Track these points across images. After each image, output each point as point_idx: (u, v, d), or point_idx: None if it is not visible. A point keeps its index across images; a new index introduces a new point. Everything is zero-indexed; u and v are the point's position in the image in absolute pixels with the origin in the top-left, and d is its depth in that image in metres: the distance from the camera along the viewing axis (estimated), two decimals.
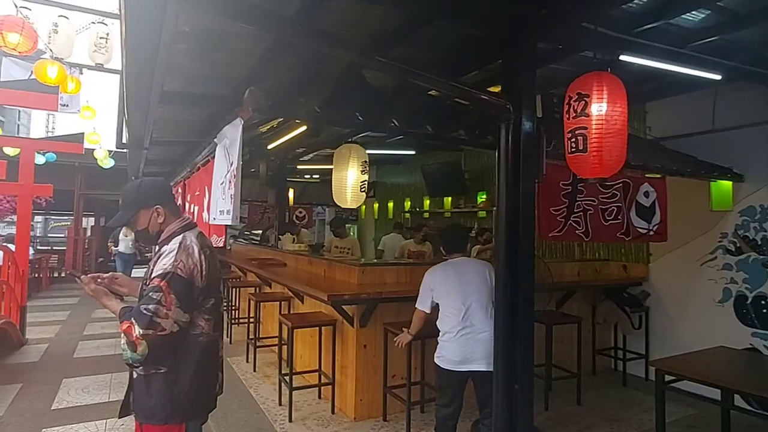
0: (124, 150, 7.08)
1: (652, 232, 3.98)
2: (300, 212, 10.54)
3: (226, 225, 3.60)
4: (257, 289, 6.31)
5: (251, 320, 5.79)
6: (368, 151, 3.58)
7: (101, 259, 14.06)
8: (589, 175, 2.33)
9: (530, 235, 2.60)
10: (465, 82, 2.81)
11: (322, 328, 4.15)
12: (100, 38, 6.01)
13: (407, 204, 9.47)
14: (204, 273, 1.77)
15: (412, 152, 8.21)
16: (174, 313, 1.65)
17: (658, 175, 4.10)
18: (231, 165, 2.85)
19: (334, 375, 4.07)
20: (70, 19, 6.22)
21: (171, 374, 1.74)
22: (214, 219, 3.53)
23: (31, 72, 5.95)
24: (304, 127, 4.52)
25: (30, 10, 5.61)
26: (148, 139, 5.35)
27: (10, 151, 8.13)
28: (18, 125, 52.57)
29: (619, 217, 3.71)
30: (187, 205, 5.42)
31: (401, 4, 2.38)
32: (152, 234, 1.88)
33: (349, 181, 3.38)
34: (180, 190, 6.12)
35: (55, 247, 15.78)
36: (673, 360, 3.22)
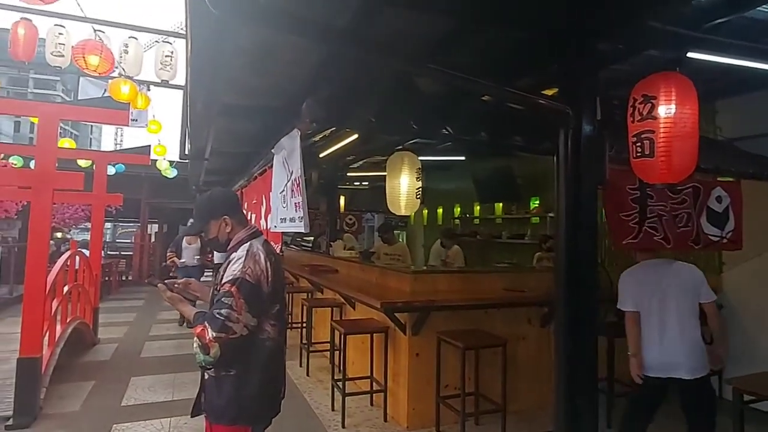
0: (186, 160, 7.49)
1: (725, 240, 3.70)
2: (350, 219, 10.68)
3: (292, 231, 3.70)
4: (309, 294, 6.43)
5: (304, 325, 5.90)
6: (419, 158, 3.58)
7: (164, 264, 14.86)
8: (657, 181, 2.20)
9: (592, 243, 2.50)
10: (520, 86, 2.75)
11: (374, 334, 4.17)
12: (166, 56, 6.40)
13: (457, 210, 9.36)
14: (270, 279, 1.84)
15: (462, 158, 8.11)
16: (244, 317, 1.72)
17: (732, 179, 3.82)
18: (291, 174, 2.94)
19: (387, 382, 4.07)
20: (138, 39, 6.67)
21: (240, 377, 1.81)
22: (275, 227, 3.63)
23: (105, 90, 6.42)
24: (356, 136, 4.59)
25: (104, 32, 6.07)
26: (208, 150, 5.62)
27: (83, 162, 8.80)
28: (90, 138, 56.89)
29: (690, 224, 3.48)
30: (245, 212, 5.62)
31: (453, 11, 2.36)
32: (221, 242, 1.98)
33: (404, 188, 3.39)
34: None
35: (123, 252, 16.83)
36: (752, 378, 2.97)
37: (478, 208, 8.78)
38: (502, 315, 4.23)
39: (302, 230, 3.22)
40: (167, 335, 7.31)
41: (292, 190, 2.95)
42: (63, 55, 6.37)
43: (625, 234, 3.12)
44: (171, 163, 11.14)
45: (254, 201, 4.88)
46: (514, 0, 2.29)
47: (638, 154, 2.20)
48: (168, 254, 7.67)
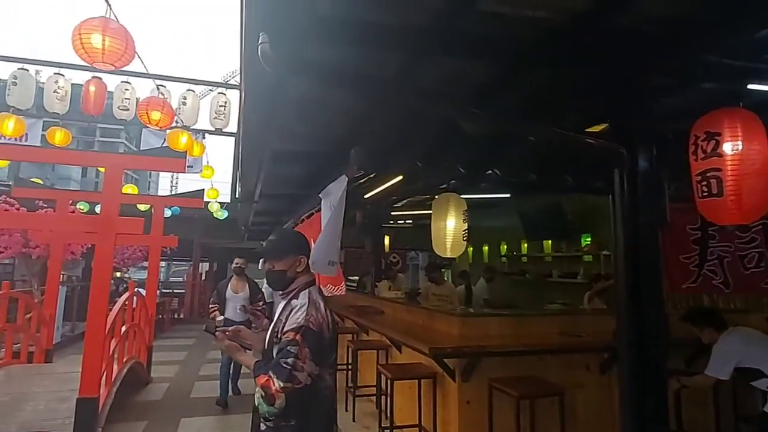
0: (237, 203, 7.80)
1: None
2: (394, 257, 10.63)
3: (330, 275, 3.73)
4: (355, 335, 6.37)
5: (349, 367, 5.82)
6: (462, 196, 3.55)
7: (207, 318, 15.29)
8: (727, 222, 2.06)
9: (655, 284, 2.35)
10: (566, 125, 2.70)
11: (422, 380, 4.03)
12: (220, 106, 6.83)
13: (503, 248, 9.15)
14: (330, 327, 1.84)
15: (507, 195, 7.99)
16: (308, 366, 1.70)
17: None
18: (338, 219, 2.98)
19: (436, 431, 3.90)
20: (195, 91, 7.15)
21: (300, 427, 1.77)
22: (321, 269, 3.67)
23: (164, 139, 6.87)
24: (400, 177, 4.62)
25: (165, 86, 6.54)
26: (257, 193, 5.83)
27: (143, 206, 9.34)
28: (149, 182, 60.67)
29: (762, 264, 3.22)
30: None
31: (498, 57, 2.38)
32: (287, 279, 1.96)
33: (449, 230, 3.35)
34: None
35: (175, 291, 17.46)
36: None
37: (526, 245, 8.54)
38: (557, 361, 4.00)
39: (333, 274, 3.24)
40: (216, 376, 7.37)
41: (338, 234, 2.98)
42: (128, 109, 6.90)
43: (684, 278, 2.94)
44: (222, 204, 11.62)
45: None
46: (560, 40, 2.28)
47: (704, 194, 2.08)
48: (210, 307, 5.96)
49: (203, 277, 16.48)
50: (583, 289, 6.58)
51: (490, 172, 2.78)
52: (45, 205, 8.45)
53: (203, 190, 9.57)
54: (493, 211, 9.45)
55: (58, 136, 6.20)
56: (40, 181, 14.70)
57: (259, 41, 1.95)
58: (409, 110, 2.81)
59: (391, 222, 10.29)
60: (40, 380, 5.35)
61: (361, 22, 2.07)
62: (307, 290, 1.91)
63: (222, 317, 5.63)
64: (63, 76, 7.19)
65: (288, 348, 1.70)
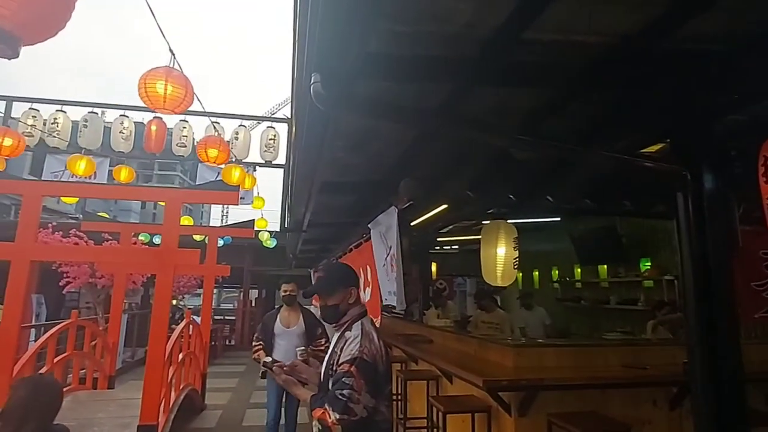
0: (285, 231, 7.99)
1: None
2: (441, 284, 10.48)
3: (393, 305, 3.74)
4: (403, 365, 6.27)
5: (398, 398, 5.71)
6: (509, 221, 3.47)
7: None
8: None
9: (730, 318, 2.18)
10: (620, 148, 2.61)
11: (476, 414, 3.89)
12: (269, 139, 7.14)
13: (555, 273, 8.82)
14: (383, 358, 1.83)
15: (557, 218, 7.75)
16: (364, 398, 1.69)
17: None
18: (390, 249, 3.00)
19: None
20: (246, 126, 7.50)
21: None
22: (385, 300, 3.68)
23: (218, 173, 7.22)
24: (445, 205, 4.60)
25: (219, 123, 6.90)
26: (306, 222, 5.96)
27: (197, 237, 9.75)
28: (202, 212, 63.58)
29: None
30: None
31: (548, 83, 2.35)
32: (340, 312, 1.97)
33: (500, 258, 3.28)
34: None
35: (226, 317, 17.93)
36: None
37: (579, 270, 8.20)
38: (621, 395, 3.76)
39: (395, 305, 3.23)
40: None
41: (391, 265, 2.99)
42: (185, 146, 7.32)
43: (757, 306, 2.71)
44: (271, 233, 11.96)
45: None
46: (612, 63, 2.23)
47: None
48: (254, 346, 4.53)
49: (253, 304, 16.87)
50: (644, 316, 6.21)
51: (545, 200, 2.71)
52: (110, 237, 8.99)
53: (253, 220, 9.92)
54: (542, 234, 9.18)
55: (123, 174, 6.64)
56: (106, 215, 15.69)
57: (312, 81, 2.02)
58: (458, 140, 2.81)
59: (437, 248, 10.20)
60: (104, 406, 5.59)
61: (409, 56, 2.12)
62: (359, 321, 1.92)
63: (269, 358, 3.60)
64: (127, 117, 7.75)
65: (343, 380, 1.70)
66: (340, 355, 1.82)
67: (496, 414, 3.77)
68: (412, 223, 5.85)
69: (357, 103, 2.18)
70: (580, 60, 2.16)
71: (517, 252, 3.31)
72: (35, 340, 6.27)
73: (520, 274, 9.81)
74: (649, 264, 6.64)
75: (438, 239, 8.76)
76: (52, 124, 7.61)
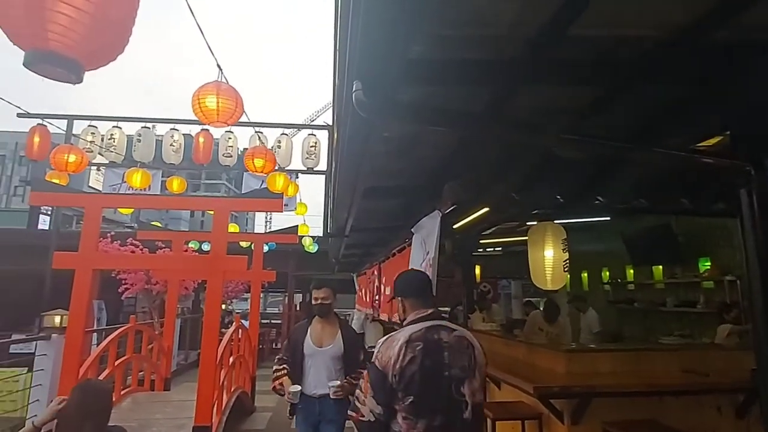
0: (328, 237, 8.11)
1: None
2: (485, 287, 10.33)
3: None
4: None
5: None
6: (556, 221, 3.36)
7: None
8: None
9: None
10: (673, 144, 2.47)
11: (526, 421, 3.80)
12: (311, 146, 7.28)
13: (605, 274, 8.49)
14: (399, 366, 1.72)
15: (607, 218, 7.45)
16: (369, 402, 1.70)
17: None
18: (427, 254, 2.97)
19: None
20: (288, 135, 7.67)
21: None
22: None
23: (262, 181, 7.43)
24: (487, 208, 4.52)
25: (262, 133, 7.09)
26: (348, 227, 6.01)
27: (244, 243, 10.06)
28: (246, 219, 65.56)
29: None
30: (382, 287, 5.78)
31: (595, 80, 2.27)
32: (400, 322, 2.04)
33: (548, 261, 3.18)
34: (375, 273, 6.60)
35: (272, 321, 18.35)
36: None
37: (632, 271, 7.85)
38: (682, 403, 3.57)
39: None
40: None
41: (427, 270, 2.96)
42: (231, 156, 7.58)
43: None
44: (313, 238, 12.16)
45: (394, 277, 5.01)
46: (664, 56, 2.12)
47: None
48: (275, 372, 3.26)
49: (297, 308, 17.21)
50: (705, 319, 5.89)
51: (595, 201, 2.61)
52: (163, 245, 9.42)
53: (297, 225, 10.14)
54: (590, 234, 8.86)
55: (176, 184, 6.95)
56: (159, 224, 16.39)
57: (354, 89, 2.04)
58: (502, 142, 2.76)
59: (480, 250, 10.04)
60: (161, 407, 5.84)
61: (452, 60, 2.10)
62: (404, 328, 1.90)
63: (297, 389, 3.02)
64: (177, 130, 8.12)
65: (359, 380, 1.81)
66: None
67: (548, 421, 3.67)
68: (454, 226, 5.80)
69: (399, 109, 2.18)
70: (631, 54, 2.08)
71: (566, 254, 3.21)
72: (97, 344, 6.64)
73: (568, 276, 9.52)
74: (709, 264, 6.27)
75: (481, 241, 8.61)
76: (108, 139, 8.07)
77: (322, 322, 3.22)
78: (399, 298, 2.01)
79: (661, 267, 7.20)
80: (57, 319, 5.72)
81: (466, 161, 2.86)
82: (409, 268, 3.75)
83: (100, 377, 5.11)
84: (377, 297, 6.85)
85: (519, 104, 2.37)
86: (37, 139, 6.64)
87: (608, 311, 7.86)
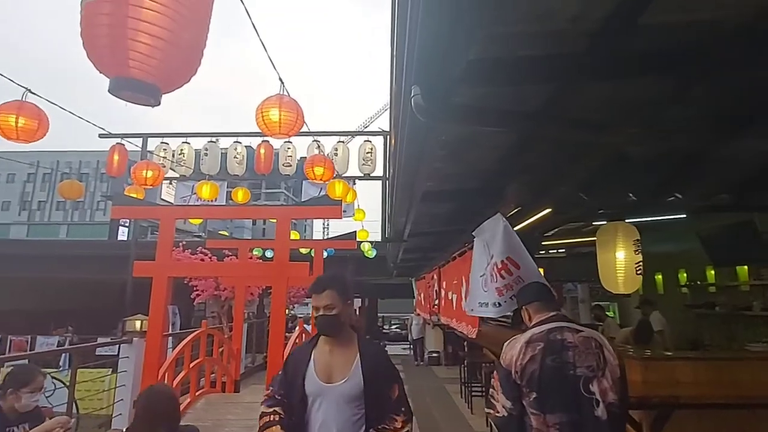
0: (386, 242, 8.17)
1: None
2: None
3: (489, 316, 3.63)
4: None
5: None
6: (627, 220, 3.17)
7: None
8: None
9: None
10: (759, 135, 2.27)
11: None
12: (366, 153, 7.40)
13: (682, 276, 7.92)
14: (519, 364, 1.86)
15: (682, 215, 6.96)
16: (500, 398, 1.84)
17: None
18: (491, 258, 2.90)
19: None
20: (344, 142, 7.82)
21: None
22: (472, 310, 3.57)
23: (320, 189, 7.63)
24: (549, 209, 4.36)
25: (320, 141, 7.28)
26: (407, 232, 6.03)
27: (304, 250, 10.35)
28: (305, 225, 67.53)
29: None
30: (442, 291, 5.73)
31: (668, 70, 2.13)
32: (527, 325, 2.14)
33: (620, 263, 3.01)
34: (435, 277, 6.56)
35: None
36: None
37: (713, 272, 7.27)
38: None
39: (493, 315, 3.12)
40: None
41: (491, 275, 2.88)
42: (291, 165, 7.84)
43: None
44: (371, 243, 12.30)
45: (455, 282, 4.95)
46: (749, 39, 1.96)
47: None
48: (262, 416, 2.00)
49: (357, 312, 17.45)
50: None
51: (672, 198, 2.45)
52: (230, 253, 9.89)
53: (355, 231, 10.30)
54: (661, 234, 8.29)
55: (240, 194, 7.29)
56: (226, 233, 17.22)
57: (412, 94, 2.05)
58: (565, 140, 2.66)
59: (542, 252, 9.69)
60: (232, 408, 6.11)
61: (512, 58, 2.05)
62: (529, 330, 2.02)
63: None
64: (240, 143, 8.52)
65: (492, 379, 1.95)
66: None
67: None
68: (515, 228, 5.65)
69: (458, 112, 2.16)
70: (706, 40, 1.93)
71: (639, 255, 3.02)
72: (172, 348, 7.06)
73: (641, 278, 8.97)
74: None
75: (543, 243, 8.31)
76: (179, 154, 8.62)
77: (330, 343, 2.06)
78: (523, 307, 2.14)
79: (746, 267, 6.62)
80: (137, 323, 6.14)
81: (525, 162, 2.78)
82: (471, 272, 3.70)
83: (176, 379, 5.43)
84: (437, 301, 6.80)
85: (580, 101, 2.28)
86: (116, 157, 7.21)
87: (686, 316, 7.34)
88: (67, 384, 5.23)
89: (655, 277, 8.53)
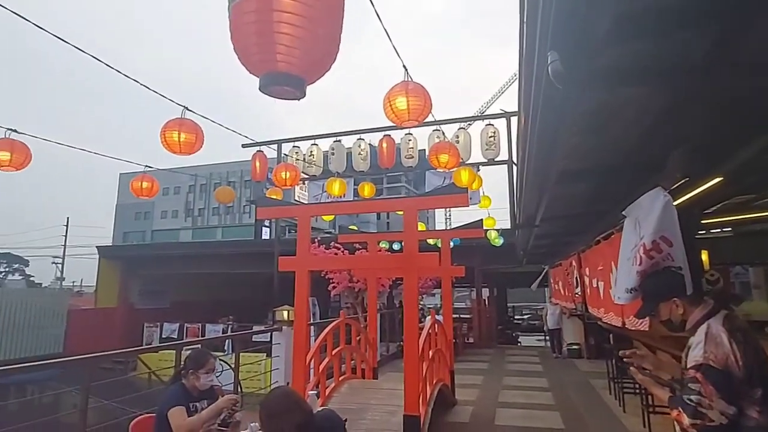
0: (515, 229, 7.82)
1: None
2: (711, 275, 8.64)
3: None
4: None
5: None
6: None
7: (500, 327, 15.65)
8: None
9: None
10: None
11: None
12: (489, 137, 7.12)
13: None
14: (740, 361, 1.67)
15: None
16: (717, 404, 1.62)
17: None
18: (641, 239, 2.54)
19: None
20: (466, 128, 7.64)
21: None
22: (619, 298, 3.19)
23: (443, 178, 7.56)
24: (719, 179, 3.72)
25: (440, 129, 7.19)
26: (539, 217, 5.68)
27: (431, 240, 10.38)
28: (427, 216, 68.22)
29: None
30: (586, 279, 5.28)
31: None
32: (676, 324, 1.95)
33: None
34: (574, 263, 6.09)
35: (461, 315, 18.60)
36: None
37: None
38: None
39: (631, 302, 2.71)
40: (517, 403, 7.37)
41: (636, 257, 2.51)
42: (413, 157, 7.89)
43: None
44: (497, 231, 11.89)
45: (600, 268, 4.50)
46: None
47: None
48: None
49: (486, 303, 17.08)
50: None
51: None
52: (359, 247, 10.35)
53: (481, 219, 10.05)
54: None
55: (367, 189, 7.56)
56: (355, 227, 18.10)
57: (549, 61, 1.87)
58: (733, 92, 2.23)
59: (702, 232, 8.43)
60: (373, 394, 6.38)
61: (659, 5, 1.76)
62: (705, 324, 1.81)
63: None
64: (363, 140, 8.83)
65: (690, 385, 1.69)
66: (686, 360, 1.80)
67: None
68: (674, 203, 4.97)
69: (602, 75, 1.93)
70: None
71: None
72: (315, 336, 7.61)
73: None
74: None
75: (702, 222, 7.21)
76: (309, 156, 9.24)
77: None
78: (675, 299, 1.92)
79: None
80: (285, 313, 6.75)
81: (674, 130, 2.38)
82: (620, 255, 3.32)
83: (321, 364, 5.82)
84: (578, 290, 6.29)
85: (753, 41, 1.86)
86: (258, 164, 7.95)
87: None
88: (232, 366, 5.93)
89: None
